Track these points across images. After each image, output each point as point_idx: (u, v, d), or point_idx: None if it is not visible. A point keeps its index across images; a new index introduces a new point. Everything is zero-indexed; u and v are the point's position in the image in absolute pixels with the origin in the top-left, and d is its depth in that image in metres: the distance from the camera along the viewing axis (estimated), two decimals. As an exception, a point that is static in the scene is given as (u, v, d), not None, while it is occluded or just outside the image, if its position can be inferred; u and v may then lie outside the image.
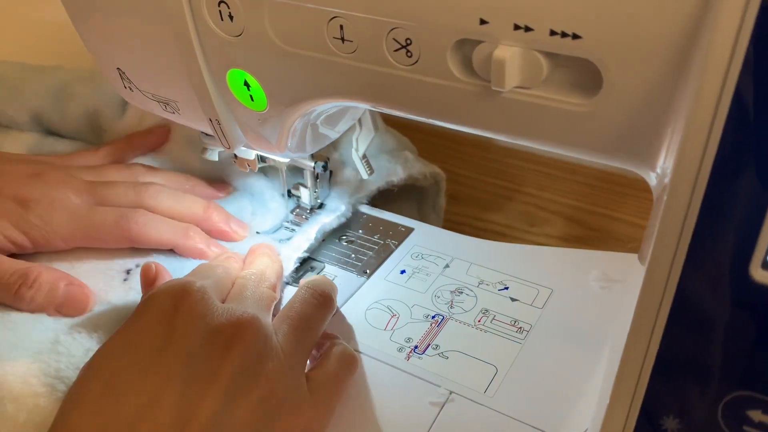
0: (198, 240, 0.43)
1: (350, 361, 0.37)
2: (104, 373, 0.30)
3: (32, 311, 0.38)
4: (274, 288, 0.40)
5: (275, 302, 0.39)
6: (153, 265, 0.38)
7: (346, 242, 0.49)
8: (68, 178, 0.43)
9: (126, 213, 0.41)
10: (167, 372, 0.30)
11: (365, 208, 0.52)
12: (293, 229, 0.48)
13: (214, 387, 0.30)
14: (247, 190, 0.50)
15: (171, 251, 0.44)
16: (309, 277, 0.41)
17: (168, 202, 0.44)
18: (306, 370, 0.35)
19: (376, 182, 0.51)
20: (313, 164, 0.45)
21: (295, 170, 0.48)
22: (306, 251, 0.46)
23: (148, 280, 0.37)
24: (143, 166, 0.48)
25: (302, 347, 0.35)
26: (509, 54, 0.25)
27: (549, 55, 0.26)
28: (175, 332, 0.31)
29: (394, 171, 0.51)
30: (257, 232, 0.48)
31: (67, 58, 0.57)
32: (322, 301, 0.38)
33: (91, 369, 0.31)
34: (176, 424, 0.28)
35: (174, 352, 0.31)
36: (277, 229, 0.49)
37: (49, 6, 0.55)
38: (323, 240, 0.49)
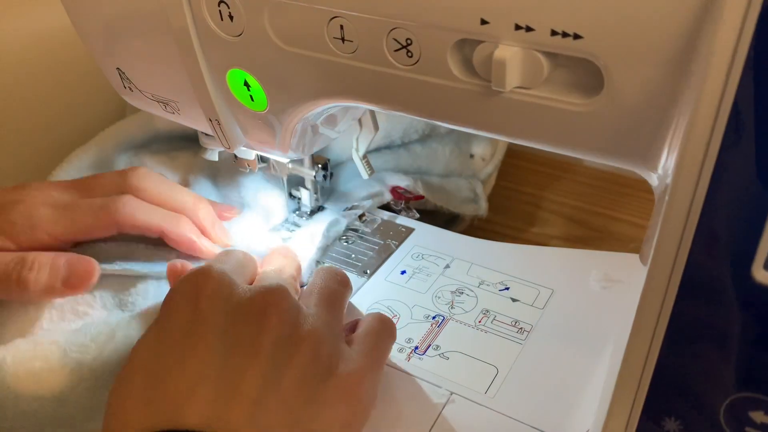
0: (188, 229, 0.41)
1: (384, 318, 0.38)
2: (144, 365, 0.31)
3: (39, 294, 0.37)
4: (294, 279, 0.40)
5: (297, 292, 0.39)
6: (179, 263, 0.38)
7: (346, 242, 0.49)
8: (51, 182, 0.42)
9: (113, 197, 0.40)
10: (203, 352, 0.30)
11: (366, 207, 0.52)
12: (293, 230, 0.48)
13: (256, 357, 0.30)
14: (247, 188, 0.50)
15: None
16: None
17: (158, 187, 0.42)
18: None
19: (458, 207, 0.53)
20: (314, 173, 0.46)
21: (296, 172, 0.48)
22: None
23: (176, 275, 0.38)
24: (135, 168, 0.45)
25: (335, 314, 0.36)
26: (510, 54, 0.25)
27: (550, 55, 0.25)
28: (201, 313, 0.32)
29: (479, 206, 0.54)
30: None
31: (68, 61, 0.57)
32: (342, 278, 0.39)
33: (131, 364, 0.31)
34: (222, 398, 0.29)
35: (204, 331, 0.31)
36: (277, 229, 0.49)
37: (48, 9, 0.55)
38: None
